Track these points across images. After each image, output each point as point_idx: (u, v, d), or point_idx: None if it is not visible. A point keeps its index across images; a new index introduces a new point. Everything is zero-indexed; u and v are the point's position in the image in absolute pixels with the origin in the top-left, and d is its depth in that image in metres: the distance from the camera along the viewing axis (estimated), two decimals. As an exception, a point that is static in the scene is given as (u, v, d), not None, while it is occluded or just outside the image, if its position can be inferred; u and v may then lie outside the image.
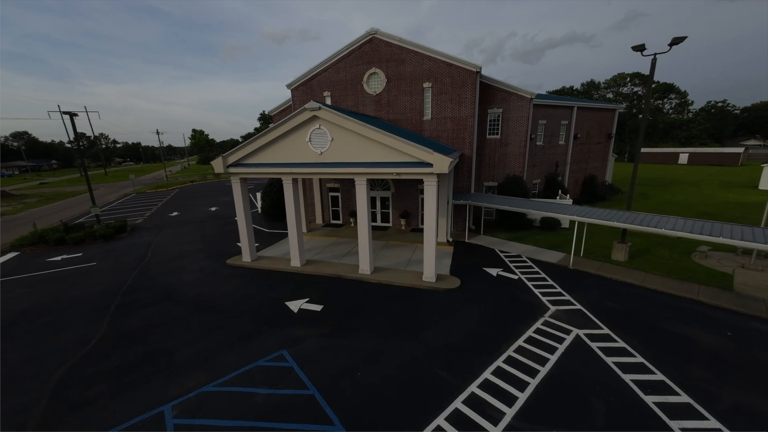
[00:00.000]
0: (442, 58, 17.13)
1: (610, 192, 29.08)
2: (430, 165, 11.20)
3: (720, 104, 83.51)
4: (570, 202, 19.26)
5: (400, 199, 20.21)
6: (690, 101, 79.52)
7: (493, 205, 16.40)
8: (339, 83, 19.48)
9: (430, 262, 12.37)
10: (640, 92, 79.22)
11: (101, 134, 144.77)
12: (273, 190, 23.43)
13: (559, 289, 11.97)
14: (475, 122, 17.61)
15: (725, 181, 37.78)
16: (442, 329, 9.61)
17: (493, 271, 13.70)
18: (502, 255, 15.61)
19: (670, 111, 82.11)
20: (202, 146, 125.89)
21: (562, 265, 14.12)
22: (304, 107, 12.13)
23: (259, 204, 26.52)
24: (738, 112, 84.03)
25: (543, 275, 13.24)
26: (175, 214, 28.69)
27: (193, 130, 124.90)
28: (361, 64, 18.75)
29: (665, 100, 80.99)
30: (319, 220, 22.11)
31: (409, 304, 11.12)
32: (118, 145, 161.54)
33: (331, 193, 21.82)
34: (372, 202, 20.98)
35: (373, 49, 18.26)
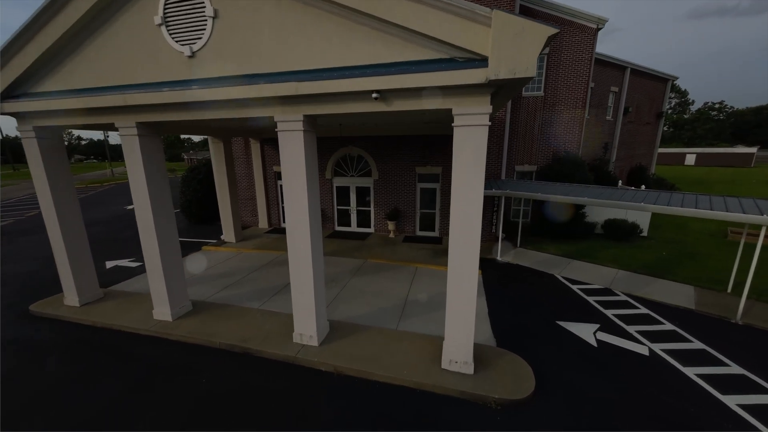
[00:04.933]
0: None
1: (661, 188, 22.62)
2: (479, 62, 3.89)
3: (718, 105, 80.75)
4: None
5: (386, 189, 12.83)
6: (690, 100, 76.16)
7: (557, 197, 9.19)
8: None
9: (463, 327, 5.00)
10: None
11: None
12: (196, 179, 15.62)
13: (779, 395, 4.86)
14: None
15: (763, 181, 32.45)
16: None
17: (585, 332, 6.48)
18: (575, 289, 8.42)
19: (670, 110, 78.64)
20: (172, 142, 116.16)
21: (714, 316, 7.05)
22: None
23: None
24: (723, 117, 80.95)
25: (700, 345, 6.10)
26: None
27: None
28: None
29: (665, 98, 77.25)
30: (263, 224, 14.44)
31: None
32: (83, 142, 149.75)
33: (281, 182, 14.21)
34: (341, 194, 13.52)
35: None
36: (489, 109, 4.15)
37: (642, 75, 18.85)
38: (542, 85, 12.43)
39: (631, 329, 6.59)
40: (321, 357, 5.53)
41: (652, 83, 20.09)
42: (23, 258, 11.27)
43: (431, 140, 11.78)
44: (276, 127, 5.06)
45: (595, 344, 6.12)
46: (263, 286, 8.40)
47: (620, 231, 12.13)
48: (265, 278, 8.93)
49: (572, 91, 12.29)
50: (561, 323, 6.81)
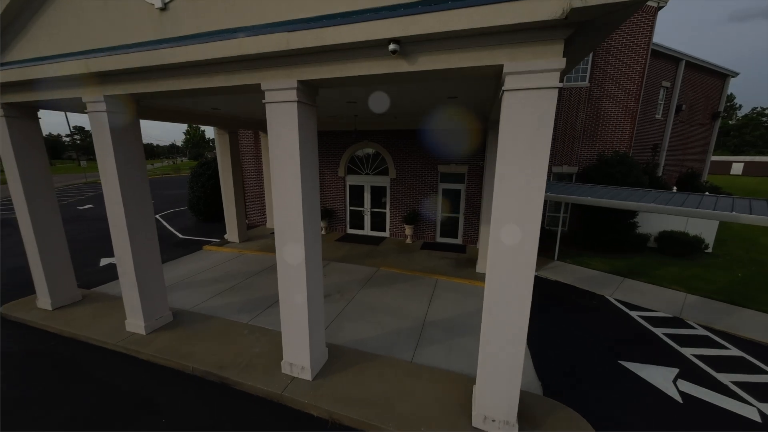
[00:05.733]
0: None
1: (711, 198, 20.14)
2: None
3: None
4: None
5: (404, 189, 11.55)
6: (737, 105, 70.14)
7: (613, 203, 7.61)
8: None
9: (506, 375, 3.62)
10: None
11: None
12: (205, 175, 14.91)
13: None
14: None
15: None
16: None
17: (660, 378, 4.91)
18: (636, 316, 6.79)
19: (724, 114, 72.74)
20: (197, 142, 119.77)
21: (837, 364, 5.29)
22: None
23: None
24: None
25: (834, 410, 4.42)
26: (87, 207, 20.43)
27: (189, 126, 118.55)
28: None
29: (722, 97, 71.51)
30: (271, 224, 13.49)
31: None
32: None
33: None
34: (355, 194, 12.35)
35: None
36: (561, 63, 2.81)
37: (698, 69, 16.68)
38: (587, 74, 10.83)
39: (724, 378, 4.96)
40: (313, 397, 4.29)
41: (709, 79, 17.81)
42: (18, 253, 10.75)
43: (456, 135, 10.42)
44: (264, 99, 3.90)
45: (678, 398, 4.55)
46: (259, 296, 7.29)
47: (679, 245, 10.26)
48: (262, 285, 7.83)
49: (624, 82, 10.60)
50: (625, 364, 5.26)
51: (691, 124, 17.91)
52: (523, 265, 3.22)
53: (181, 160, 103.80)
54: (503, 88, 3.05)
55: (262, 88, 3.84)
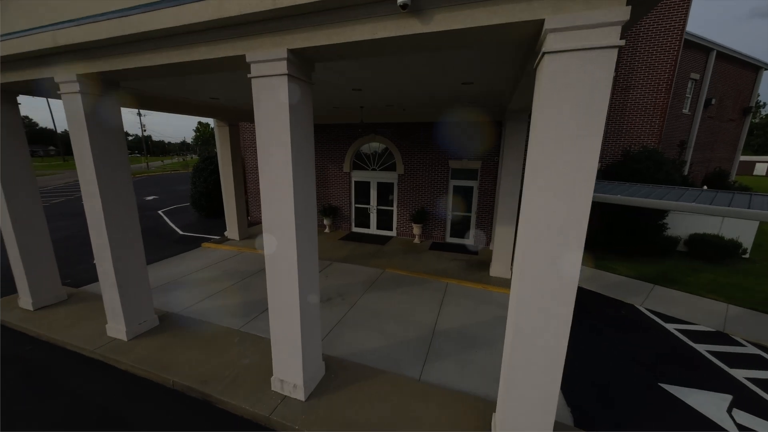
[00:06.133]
0: None
1: (739, 199, 18.95)
2: None
3: (793, 109, 70.70)
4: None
5: (412, 185, 10.90)
6: (762, 102, 67.15)
7: (646, 201, 6.84)
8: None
9: (538, 406, 2.97)
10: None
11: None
12: (207, 169, 14.50)
13: None
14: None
15: None
16: None
17: (712, 407, 4.19)
18: (672, 330, 6.03)
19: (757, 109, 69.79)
20: (207, 139, 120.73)
21: None
22: None
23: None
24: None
25: None
26: (92, 202, 20.25)
27: (199, 123, 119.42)
28: None
29: (754, 91, 68.59)
30: (274, 220, 12.98)
31: None
32: (130, 138, 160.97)
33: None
34: (360, 190, 11.75)
35: None
36: (624, 13, 2.14)
37: (729, 60, 15.58)
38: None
39: (790, 410, 4.21)
40: (305, 422, 3.71)
41: (740, 72, 16.65)
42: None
43: (469, 128, 9.73)
44: (249, 73, 3.31)
45: (737, 434, 3.84)
46: (255, 298, 6.75)
47: (712, 249, 9.39)
48: (260, 287, 7.30)
49: (654, 71, 9.74)
50: (668, 387, 4.55)
51: (720, 119, 16.80)
52: (565, 281, 2.57)
53: (191, 157, 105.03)
54: (543, 49, 2.39)
55: (248, 59, 3.24)
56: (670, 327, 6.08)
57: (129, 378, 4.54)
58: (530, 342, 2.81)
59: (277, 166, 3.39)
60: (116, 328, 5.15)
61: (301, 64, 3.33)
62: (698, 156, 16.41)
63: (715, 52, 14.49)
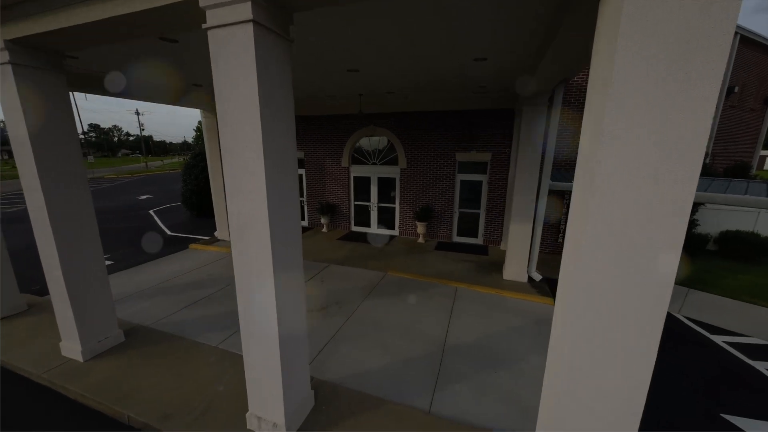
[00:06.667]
0: None
1: (760, 193, 17.96)
2: None
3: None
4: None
5: (416, 180, 10.07)
6: (770, 96, 65.75)
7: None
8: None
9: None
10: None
11: (114, 126, 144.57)
12: (198, 166, 13.74)
13: None
14: None
15: None
16: None
17: (794, 448, 3.37)
18: (721, 343, 5.17)
19: (743, 108, 68.35)
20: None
21: None
22: None
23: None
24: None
25: None
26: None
27: (199, 122, 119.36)
28: None
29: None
30: (268, 219, 12.19)
31: None
32: (131, 138, 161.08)
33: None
34: (360, 186, 10.94)
35: None
36: None
37: (754, 46, 14.62)
38: (636, 44, 9.09)
39: None
40: (287, 474, 2.92)
41: (764, 58, 15.66)
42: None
43: (478, 117, 8.90)
44: (204, 23, 2.50)
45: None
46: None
47: (747, 248, 8.53)
48: (246, 294, 6.51)
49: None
50: (731, 419, 3.72)
51: (742, 109, 15.84)
52: (659, 285, 1.77)
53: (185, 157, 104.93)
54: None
55: (201, 4, 2.43)
56: (718, 339, 5.24)
57: (78, 410, 3.76)
58: (590, 383, 1.99)
59: (242, 149, 2.58)
60: (70, 347, 4.37)
61: (275, 10, 2.51)
62: (719, 148, 15.49)
63: (739, 36, 13.55)
